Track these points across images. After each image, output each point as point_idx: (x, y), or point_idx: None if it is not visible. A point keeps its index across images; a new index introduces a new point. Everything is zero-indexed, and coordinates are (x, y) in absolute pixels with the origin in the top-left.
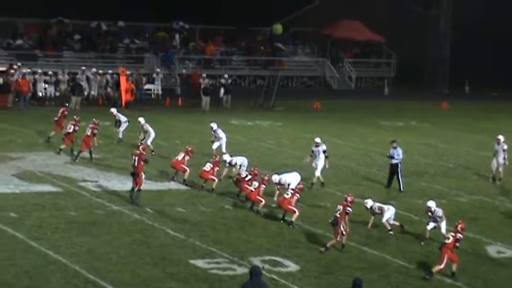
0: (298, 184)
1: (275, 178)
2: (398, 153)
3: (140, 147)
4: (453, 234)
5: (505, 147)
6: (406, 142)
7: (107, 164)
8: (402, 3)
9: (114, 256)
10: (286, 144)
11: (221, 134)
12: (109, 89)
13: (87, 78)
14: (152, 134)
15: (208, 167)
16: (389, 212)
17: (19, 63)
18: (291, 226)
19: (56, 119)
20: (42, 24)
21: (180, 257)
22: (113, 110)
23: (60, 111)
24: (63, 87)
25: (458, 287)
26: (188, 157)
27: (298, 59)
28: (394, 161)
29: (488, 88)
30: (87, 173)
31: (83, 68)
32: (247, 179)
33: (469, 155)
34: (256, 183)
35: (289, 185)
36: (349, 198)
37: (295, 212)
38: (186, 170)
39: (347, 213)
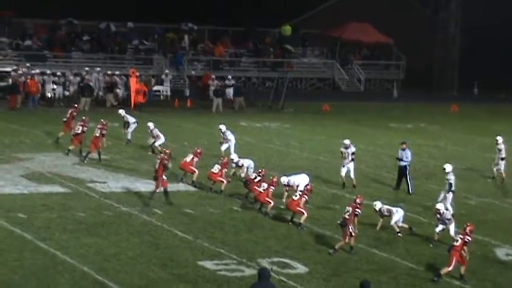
0: (307, 185)
1: (284, 180)
2: (407, 155)
3: (166, 150)
4: (461, 236)
5: (501, 147)
6: (415, 144)
7: (115, 165)
8: (411, 5)
9: (123, 257)
10: (294, 146)
11: (230, 136)
12: (118, 90)
13: (96, 79)
14: (162, 139)
15: (216, 168)
16: (397, 215)
17: (28, 64)
18: (299, 228)
19: (64, 119)
20: (51, 25)
21: (188, 258)
22: (121, 112)
23: (69, 112)
24: (72, 88)
25: None
26: (197, 159)
27: (307, 61)
28: (402, 163)
29: (497, 90)
30: (96, 174)
31: (86, 68)
32: (256, 180)
33: (478, 157)
34: (265, 185)
35: (297, 186)
36: (358, 200)
37: (303, 213)
38: (195, 172)
39: (356, 215)
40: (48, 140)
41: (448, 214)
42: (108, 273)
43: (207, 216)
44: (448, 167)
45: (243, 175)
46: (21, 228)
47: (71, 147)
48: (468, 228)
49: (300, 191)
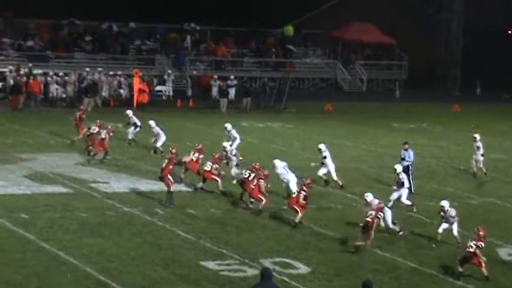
0: (306, 179)
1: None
2: (410, 155)
3: (172, 150)
4: (475, 242)
5: (479, 144)
6: (417, 144)
7: (118, 165)
8: (414, 5)
9: (125, 257)
10: (297, 146)
11: (236, 134)
12: (122, 91)
13: (99, 80)
14: (163, 137)
15: (208, 166)
16: (387, 214)
17: (30, 64)
18: (294, 227)
19: (74, 123)
20: (54, 26)
21: (190, 258)
22: (129, 112)
23: (78, 114)
24: (70, 88)
25: None
26: (202, 155)
27: (309, 61)
28: (405, 163)
29: (499, 90)
30: (98, 174)
31: (87, 69)
32: (250, 178)
33: None
34: (256, 181)
35: (287, 182)
36: (381, 205)
37: (298, 212)
38: (218, 181)
39: (378, 218)
40: (50, 141)
41: (453, 212)
42: (110, 273)
43: (209, 216)
44: (399, 168)
45: (232, 171)
46: (24, 229)
47: (91, 150)
48: (481, 233)
49: (297, 190)
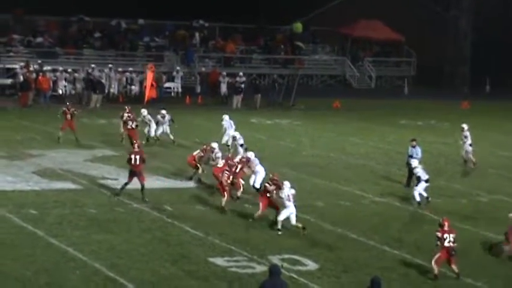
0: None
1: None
2: (417, 152)
3: (136, 144)
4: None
5: (466, 133)
6: (425, 141)
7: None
8: (422, 2)
9: (134, 253)
10: (305, 143)
11: (227, 125)
12: (133, 87)
13: (107, 76)
14: (153, 125)
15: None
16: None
17: (39, 61)
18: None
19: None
20: (63, 22)
21: (199, 254)
22: (143, 111)
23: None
24: (79, 85)
25: (478, 287)
26: (202, 154)
27: (318, 58)
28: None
29: (509, 87)
30: (107, 170)
31: (93, 65)
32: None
33: (489, 154)
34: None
35: (256, 172)
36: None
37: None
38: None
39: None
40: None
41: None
42: (119, 269)
43: (218, 212)
44: (414, 162)
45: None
46: (33, 225)
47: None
48: (446, 224)
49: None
